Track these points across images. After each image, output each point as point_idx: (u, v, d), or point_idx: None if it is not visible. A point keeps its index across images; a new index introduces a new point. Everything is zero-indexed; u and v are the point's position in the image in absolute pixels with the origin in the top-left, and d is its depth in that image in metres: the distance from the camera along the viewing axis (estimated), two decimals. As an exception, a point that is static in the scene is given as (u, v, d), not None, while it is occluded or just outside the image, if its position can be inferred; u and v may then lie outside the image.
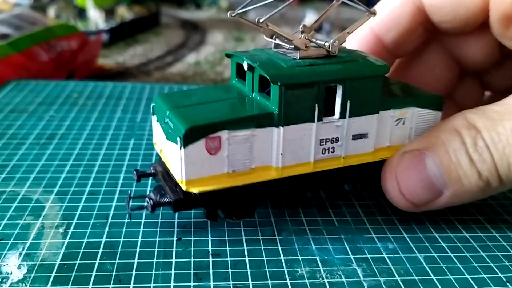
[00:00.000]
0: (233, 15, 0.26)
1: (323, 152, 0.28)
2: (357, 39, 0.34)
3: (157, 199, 0.26)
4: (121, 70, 0.99)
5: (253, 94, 0.28)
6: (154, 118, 0.28)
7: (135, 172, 0.29)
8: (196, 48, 1.36)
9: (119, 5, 1.58)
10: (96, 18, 1.36)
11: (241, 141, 0.25)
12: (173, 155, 0.25)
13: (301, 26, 0.27)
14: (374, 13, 0.29)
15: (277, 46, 0.29)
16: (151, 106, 0.28)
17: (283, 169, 0.27)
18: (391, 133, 0.29)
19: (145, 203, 0.27)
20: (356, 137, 0.28)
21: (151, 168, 0.30)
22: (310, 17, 1.52)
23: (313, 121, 0.27)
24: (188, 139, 0.24)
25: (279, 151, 0.26)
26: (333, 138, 0.28)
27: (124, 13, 1.53)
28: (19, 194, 0.32)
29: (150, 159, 0.38)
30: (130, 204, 0.28)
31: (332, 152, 0.28)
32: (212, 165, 0.25)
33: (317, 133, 0.27)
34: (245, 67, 0.27)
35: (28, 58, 0.63)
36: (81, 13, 1.43)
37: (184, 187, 0.25)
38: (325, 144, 0.28)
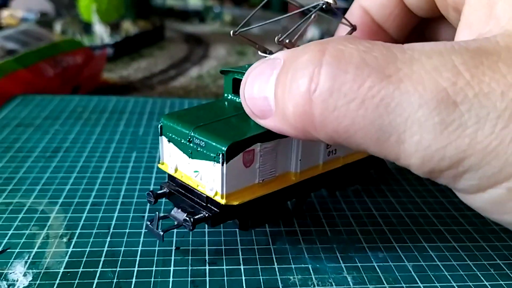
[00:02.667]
0: (235, 33, 0.27)
1: (329, 154, 0.31)
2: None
3: (189, 217, 0.26)
4: (125, 84, 1.01)
5: None
6: (164, 139, 0.29)
7: (151, 194, 0.29)
8: (199, 62, 1.38)
9: (124, 20, 1.61)
10: (101, 33, 1.39)
11: (269, 151, 0.27)
12: (206, 172, 0.26)
13: (276, 40, 0.27)
14: (354, 28, 0.30)
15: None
16: (159, 126, 0.28)
17: (300, 174, 0.29)
18: None
19: (178, 222, 0.27)
20: None
21: (164, 188, 0.29)
22: (311, 31, 1.54)
23: None
24: (229, 155, 0.25)
25: (298, 157, 0.28)
26: None
27: (129, 27, 1.56)
28: (25, 205, 0.33)
29: (151, 171, 0.39)
30: (159, 225, 0.28)
31: (334, 154, 0.31)
32: (246, 177, 0.27)
33: None
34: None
35: (34, 74, 0.64)
36: (87, 28, 1.46)
37: (223, 201, 0.26)
38: (330, 147, 0.30)
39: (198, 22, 2.47)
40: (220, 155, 0.25)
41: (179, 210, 0.28)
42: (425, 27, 0.33)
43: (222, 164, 0.25)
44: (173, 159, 0.29)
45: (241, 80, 0.29)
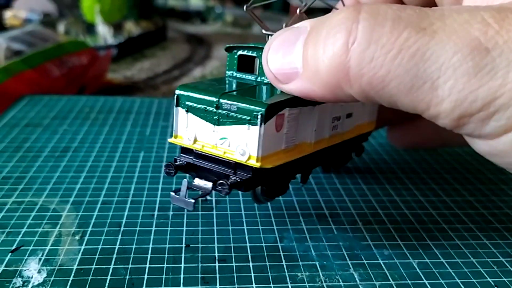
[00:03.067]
0: (245, 8, 0.29)
1: (333, 129, 0.31)
2: None
3: (224, 181, 0.26)
4: (129, 84, 1.02)
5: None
6: (180, 111, 0.28)
7: (170, 165, 0.28)
8: (202, 62, 1.39)
9: (126, 20, 1.61)
10: (104, 33, 1.40)
11: (294, 119, 0.27)
12: (236, 138, 0.26)
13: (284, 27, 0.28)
14: None
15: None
16: (175, 97, 0.28)
17: (314, 144, 0.30)
18: (363, 112, 0.35)
19: (204, 191, 0.27)
20: (348, 116, 0.33)
21: (181, 160, 0.28)
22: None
23: None
24: (267, 117, 0.25)
25: (313, 128, 0.29)
26: (338, 116, 0.32)
27: (131, 28, 1.56)
28: (37, 204, 0.34)
29: (159, 170, 0.40)
30: (186, 193, 0.27)
31: (336, 129, 0.32)
32: (276, 142, 0.27)
33: (331, 112, 0.31)
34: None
35: (40, 74, 0.65)
36: (90, 28, 1.46)
37: (258, 164, 0.26)
38: (334, 122, 0.31)
39: (200, 22, 2.48)
40: (259, 116, 0.25)
41: (202, 181, 0.27)
42: None
43: (260, 125, 0.25)
44: (191, 130, 0.28)
45: (247, 56, 0.29)
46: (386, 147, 0.46)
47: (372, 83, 0.21)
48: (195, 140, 0.28)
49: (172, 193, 0.27)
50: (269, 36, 0.30)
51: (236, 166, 0.27)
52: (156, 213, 0.33)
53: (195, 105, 0.27)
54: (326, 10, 0.29)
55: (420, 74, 0.20)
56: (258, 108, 0.25)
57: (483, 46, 0.20)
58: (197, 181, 0.28)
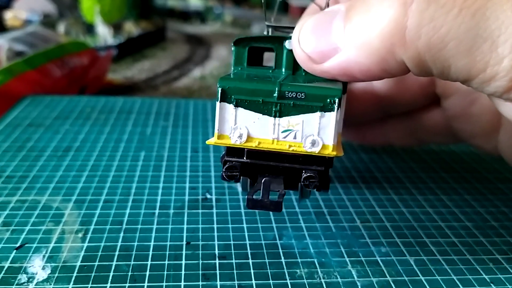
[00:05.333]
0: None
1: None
2: None
3: (312, 174, 0.25)
4: (129, 84, 1.02)
5: (289, 72, 0.27)
6: (227, 106, 0.25)
7: (233, 166, 0.26)
8: (202, 62, 1.39)
9: (126, 20, 1.62)
10: (104, 34, 1.40)
11: (343, 105, 0.26)
12: (304, 128, 0.24)
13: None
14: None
15: (276, 29, 0.30)
16: (220, 91, 0.25)
17: (339, 135, 0.27)
18: None
19: (280, 192, 0.25)
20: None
21: (232, 162, 0.26)
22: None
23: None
24: (340, 102, 0.24)
25: (342, 117, 0.27)
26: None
27: (131, 28, 1.57)
28: (40, 202, 0.34)
29: (160, 169, 0.40)
30: (266, 193, 0.25)
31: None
32: (339, 129, 0.26)
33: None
34: (288, 46, 0.27)
35: (42, 75, 0.65)
36: (90, 29, 1.47)
37: (334, 153, 0.24)
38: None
39: (199, 22, 2.48)
40: (336, 101, 0.23)
41: (265, 180, 0.25)
42: None
43: (337, 111, 0.24)
44: (242, 126, 0.25)
45: (260, 48, 0.27)
46: (385, 147, 0.47)
47: (430, 44, 0.21)
48: (248, 138, 0.25)
49: (250, 197, 0.25)
50: (269, 28, 0.29)
51: (304, 160, 0.25)
52: (157, 211, 0.34)
53: (249, 97, 0.25)
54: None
55: (481, 33, 0.20)
56: (332, 93, 0.24)
57: None
58: (262, 183, 0.25)
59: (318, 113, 0.24)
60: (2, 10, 1.68)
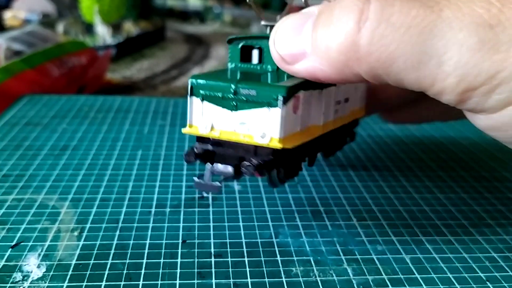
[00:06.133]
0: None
1: (335, 112, 0.32)
2: None
3: (248, 163, 0.27)
4: (128, 84, 1.02)
5: (274, 68, 0.30)
6: (194, 100, 0.28)
7: (192, 153, 0.28)
8: (200, 62, 1.39)
9: (125, 20, 1.62)
10: (103, 34, 1.40)
11: (307, 101, 0.28)
12: (256, 121, 0.27)
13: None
14: None
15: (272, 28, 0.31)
16: (189, 87, 0.28)
17: (323, 127, 0.30)
18: (356, 97, 0.36)
19: (225, 175, 0.28)
20: (346, 100, 0.33)
21: (198, 149, 0.29)
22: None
23: (335, 85, 0.31)
24: (287, 98, 0.26)
25: (322, 110, 0.30)
26: (340, 100, 0.33)
27: (130, 28, 1.57)
28: (36, 201, 0.34)
29: (157, 168, 0.40)
30: (210, 177, 0.28)
31: (338, 113, 0.33)
32: (293, 124, 0.27)
33: (335, 96, 0.31)
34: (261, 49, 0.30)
35: (41, 74, 0.66)
36: (89, 28, 1.47)
37: (280, 145, 0.26)
38: (336, 105, 0.32)
39: (199, 22, 2.48)
40: (281, 98, 0.25)
41: (222, 166, 0.28)
42: None
43: (282, 107, 0.26)
44: (207, 118, 0.28)
45: (250, 47, 0.30)
46: (381, 145, 0.47)
47: (381, 60, 0.22)
48: (212, 128, 0.28)
49: (196, 178, 0.28)
50: (268, 27, 0.31)
51: (256, 150, 0.27)
52: (153, 209, 0.34)
53: (211, 93, 0.27)
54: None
55: (427, 50, 0.21)
56: (278, 91, 0.26)
57: (487, 23, 0.21)
58: (218, 167, 0.28)
59: (266, 109, 0.26)
60: (1, 10, 1.68)
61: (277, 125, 0.26)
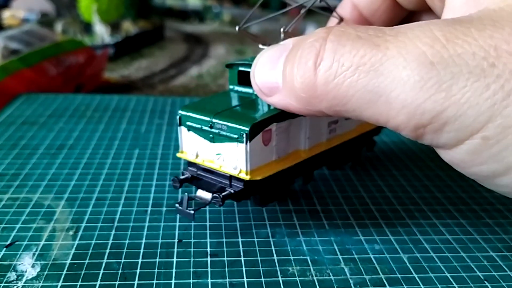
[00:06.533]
0: (238, 28, 0.30)
1: (330, 132, 0.34)
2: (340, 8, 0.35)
3: (218, 194, 0.29)
4: (126, 83, 1.02)
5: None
6: (183, 129, 0.31)
7: (176, 180, 0.31)
8: (199, 61, 1.39)
9: (124, 19, 1.62)
10: (102, 33, 1.40)
11: (283, 131, 0.30)
12: (228, 153, 0.29)
13: (281, 31, 0.31)
14: (341, 20, 0.33)
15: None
16: (178, 117, 0.31)
17: (309, 150, 0.32)
18: None
19: (205, 202, 0.30)
20: (347, 118, 0.34)
21: (186, 174, 0.32)
22: (310, 30, 1.55)
23: None
24: (252, 135, 0.28)
25: (306, 135, 0.31)
26: (336, 120, 0.34)
27: (129, 27, 1.56)
28: (31, 200, 0.34)
29: (153, 167, 0.40)
30: (187, 205, 0.30)
31: (335, 132, 0.34)
32: (265, 155, 0.29)
33: (327, 118, 0.33)
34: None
35: (38, 73, 0.65)
36: (87, 27, 1.47)
37: (248, 177, 0.28)
38: (331, 126, 0.34)
39: (198, 21, 2.48)
40: (244, 135, 0.27)
41: (204, 192, 0.30)
42: (412, 20, 0.34)
43: (246, 143, 0.28)
44: (193, 146, 0.31)
45: (246, 71, 0.31)
46: (380, 144, 0.47)
47: (337, 99, 0.23)
48: (197, 155, 0.31)
49: (177, 205, 0.30)
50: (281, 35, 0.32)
51: (231, 179, 0.29)
52: (149, 209, 0.33)
53: (194, 124, 0.30)
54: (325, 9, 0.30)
55: (375, 89, 0.21)
56: (243, 128, 0.28)
57: (428, 60, 0.20)
58: (199, 193, 0.31)
59: (235, 143, 0.28)
60: (0, 9, 1.68)
61: (243, 159, 0.28)
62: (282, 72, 0.25)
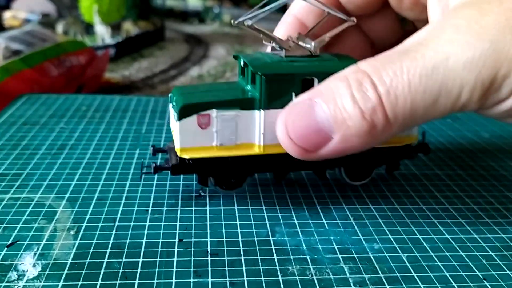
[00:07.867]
0: (235, 23, 0.31)
1: None
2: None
3: (154, 163, 0.33)
4: (127, 83, 1.02)
5: (247, 85, 0.33)
6: (170, 106, 0.34)
7: (152, 148, 0.36)
8: (199, 61, 1.39)
9: (125, 20, 1.62)
10: (102, 34, 1.40)
11: (228, 119, 0.31)
12: (175, 129, 0.32)
13: (297, 34, 0.32)
14: (353, 21, 0.32)
15: (273, 49, 0.33)
16: (169, 96, 0.34)
17: (265, 147, 0.32)
18: None
19: (151, 167, 0.33)
20: None
21: (166, 146, 0.36)
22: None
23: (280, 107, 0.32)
24: (182, 114, 0.30)
25: (260, 131, 0.32)
26: None
27: (130, 28, 1.57)
28: (33, 200, 0.34)
29: (154, 168, 0.40)
30: (144, 170, 0.35)
31: None
32: (203, 138, 0.31)
33: None
34: (242, 63, 0.33)
35: (39, 73, 0.65)
36: (88, 28, 1.47)
37: (178, 154, 0.31)
38: None
39: (198, 22, 2.48)
40: (176, 114, 0.30)
41: (164, 162, 0.34)
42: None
43: (177, 121, 0.30)
44: (172, 123, 0.34)
45: (244, 63, 0.33)
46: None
47: (405, 114, 0.25)
48: (172, 131, 0.34)
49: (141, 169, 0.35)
50: (269, 45, 0.33)
51: (176, 153, 0.32)
52: (150, 208, 0.34)
53: (171, 102, 0.33)
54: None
55: (433, 89, 0.25)
56: (177, 107, 0.30)
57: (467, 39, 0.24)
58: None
59: (177, 122, 0.31)
60: (1, 10, 1.68)
61: (177, 136, 0.31)
62: (333, 119, 0.26)
